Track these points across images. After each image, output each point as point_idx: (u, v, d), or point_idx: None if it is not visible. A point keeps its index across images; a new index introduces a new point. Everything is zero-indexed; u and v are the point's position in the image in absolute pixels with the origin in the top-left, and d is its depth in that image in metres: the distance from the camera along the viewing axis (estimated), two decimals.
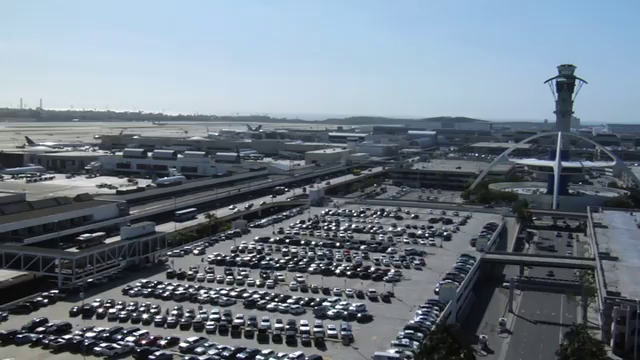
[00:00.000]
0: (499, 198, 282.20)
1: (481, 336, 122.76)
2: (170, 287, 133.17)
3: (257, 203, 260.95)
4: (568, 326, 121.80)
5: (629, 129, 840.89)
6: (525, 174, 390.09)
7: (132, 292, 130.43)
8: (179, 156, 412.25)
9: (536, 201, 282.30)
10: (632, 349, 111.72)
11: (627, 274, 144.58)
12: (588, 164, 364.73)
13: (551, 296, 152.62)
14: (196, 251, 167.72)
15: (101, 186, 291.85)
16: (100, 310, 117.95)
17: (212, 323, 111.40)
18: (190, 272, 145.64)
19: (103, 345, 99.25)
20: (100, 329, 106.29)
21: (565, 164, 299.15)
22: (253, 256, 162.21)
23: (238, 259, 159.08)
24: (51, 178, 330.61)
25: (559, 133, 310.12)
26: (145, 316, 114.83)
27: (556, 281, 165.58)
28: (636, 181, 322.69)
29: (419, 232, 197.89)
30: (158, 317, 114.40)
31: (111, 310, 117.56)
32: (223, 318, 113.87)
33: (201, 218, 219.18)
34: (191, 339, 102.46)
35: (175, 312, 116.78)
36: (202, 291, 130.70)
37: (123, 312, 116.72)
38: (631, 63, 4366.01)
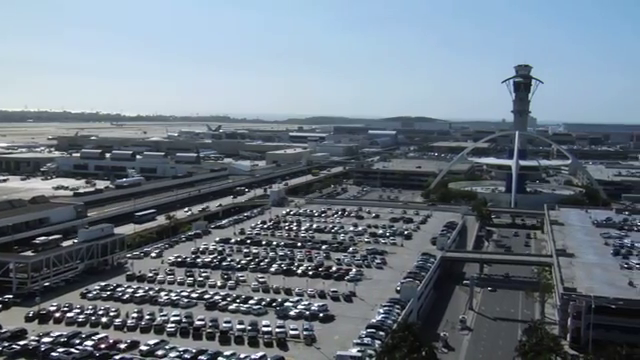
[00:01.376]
0: (459, 197, 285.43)
1: (442, 334, 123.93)
2: (130, 290, 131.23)
3: (216, 204, 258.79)
4: (526, 322, 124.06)
5: (584, 128, 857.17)
6: (484, 173, 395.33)
7: (90, 295, 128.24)
8: (138, 157, 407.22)
9: (495, 199, 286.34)
10: (587, 343, 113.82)
11: (583, 270, 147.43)
12: (545, 163, 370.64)
13: (510, 293, 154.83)
14: (154, 254, 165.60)
15: (57, 188, 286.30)
16: (57, 315, 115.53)
17: (173, 325, 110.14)
18: (150, 274, 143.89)
19: (60, 350, 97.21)
20: (57, 334, 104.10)
21: (523, 163, 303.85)
22: (214, 257, 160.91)
23: (199, 260, 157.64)
24: (5, 180, 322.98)
25: (516, 132, 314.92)
26: (104, 320, 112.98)
27: (515, 278, 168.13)
28: (591, 179, 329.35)
29: (380, 231, 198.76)
30: (117, 320, 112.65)
31: (69, 314, 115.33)
32: (184, 320, 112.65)
33: (161, 219, 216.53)
34: (152, 342, 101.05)
35: (135, 315, 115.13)
36: (162, 293, 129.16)
37: (81, 316, 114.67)
38: (586, 64, 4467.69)
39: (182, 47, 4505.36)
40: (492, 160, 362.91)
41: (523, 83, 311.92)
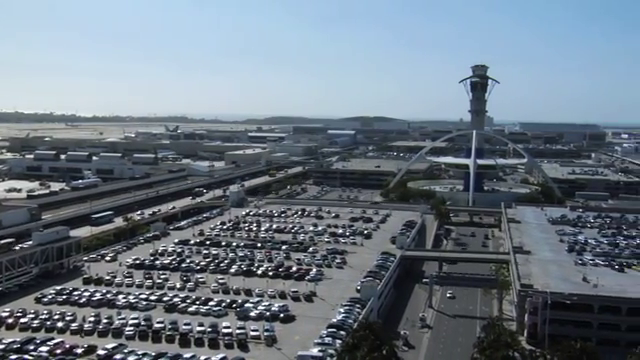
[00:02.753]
0: (417, 196, 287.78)
1: (402, 332, 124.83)
2: (87, 293, 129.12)
3: (175, 206, 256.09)
4: (485, 319, 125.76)
5: (539, 127, 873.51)
6: (442, 172, 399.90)
7: (46, 300, 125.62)
8: (94, 158, 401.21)
9: (453, 198, 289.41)
10: (544, 338, 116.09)
11: (539, 267, 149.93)
12: (501, 161, 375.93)
13: (469, 290, 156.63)
14: (111, 256, 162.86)
15: (10, 190, 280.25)
16: (10, 320, 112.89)
17: (131, 329, 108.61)
18: (108, 277, 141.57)
19: (14, 357, 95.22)
20: (10, 340, 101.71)
21: (480, 162, 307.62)
22: (173, 259, 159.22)
23: (157, 262, 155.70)
24: None
25: (474, 132, 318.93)
26: (60, 324, 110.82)
27: (473, 276, 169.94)
28: (546, 177, 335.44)
29: (340, 231, 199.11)
30: (74, 325, 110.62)
31: (22, 320, 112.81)
32: (143, 323, 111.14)
33: (119, 221, 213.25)
34: (109, 346, 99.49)
35: (92, 319, 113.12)
36: (120, 296, 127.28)
37: (36, 321, 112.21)
38: (540, 64, 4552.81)
39: (138, 45, 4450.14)
40: (450, 159, 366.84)
41: (480, 83, 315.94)
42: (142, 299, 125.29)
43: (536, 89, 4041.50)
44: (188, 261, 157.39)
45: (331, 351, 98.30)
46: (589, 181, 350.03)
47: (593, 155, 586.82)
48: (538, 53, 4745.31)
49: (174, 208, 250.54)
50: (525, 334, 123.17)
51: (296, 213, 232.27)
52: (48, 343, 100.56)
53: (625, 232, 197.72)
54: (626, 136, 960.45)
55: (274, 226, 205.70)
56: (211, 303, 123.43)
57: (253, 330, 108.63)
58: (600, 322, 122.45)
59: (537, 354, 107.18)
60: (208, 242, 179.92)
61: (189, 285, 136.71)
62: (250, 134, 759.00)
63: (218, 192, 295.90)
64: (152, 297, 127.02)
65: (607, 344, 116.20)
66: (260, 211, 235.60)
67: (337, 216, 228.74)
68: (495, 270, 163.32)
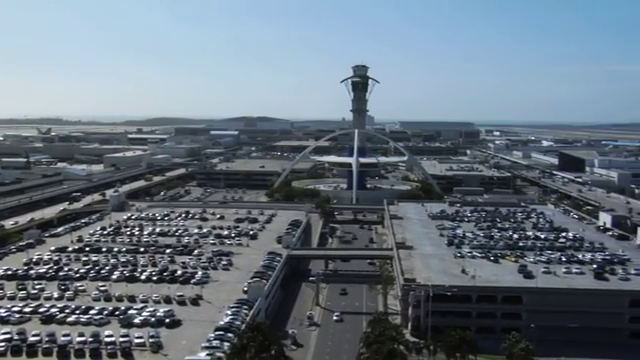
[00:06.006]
0: (302, 195, 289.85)
1: (290, 331, 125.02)
2: None
3: (53, 211, 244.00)
4: (371, 314, 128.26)
5: (418, 126, 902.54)
6: (326, 171, 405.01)
7: None
8: None
9: (337, 196, 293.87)
10: (427, 330, 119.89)
11: (421, 261, 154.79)
12: (383, 160, 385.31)
13: (354, 287, 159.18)
14: None
15: None
16: None
17: (3, 344, 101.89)
18: None
19: None
20: None
21: (362, 160, 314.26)
22: (49, 268, 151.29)
23: (32, 272, 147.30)
24: None
25: (356, 131, 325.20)
26: None
27: (358, 272, 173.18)
28: (426, 174, 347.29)
29: (225, 232, 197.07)
30: None
31: None
32: (16, 337, 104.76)
33: None
34: None
35: None
36: None
37: None
38: (417, 66, 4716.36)
39: (7, 44, 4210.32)
40: (333, 158, 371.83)
41: (361, 83, 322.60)
42: (15, 312, 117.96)
43: (412, 90, 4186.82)
44: (66, 269, 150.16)
45: (219, 354, 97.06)
46: (465, 177, 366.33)
47: (468, 152, 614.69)
48: (416, 54, 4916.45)
49: (64, 210, 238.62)
50: (409, 327, 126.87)
51: (180, 216, 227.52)
52: None
53: (499, 225, 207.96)
54: (498, 133, 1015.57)
55: (157, 230, 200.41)
56: (92, 312, 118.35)
57: (138, 337, 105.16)
58: (478, 311, 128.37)
59: (421, 345, 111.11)
60: (88, 248, 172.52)
61: (68, 294, 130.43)
62: (130, 136, 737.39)
63: (98, 196, 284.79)
64: (26, 309, 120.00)
65: (485, 332, 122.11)
66: (142, 215, 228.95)
67: (222, 217, 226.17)
68: (379, 266, 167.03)
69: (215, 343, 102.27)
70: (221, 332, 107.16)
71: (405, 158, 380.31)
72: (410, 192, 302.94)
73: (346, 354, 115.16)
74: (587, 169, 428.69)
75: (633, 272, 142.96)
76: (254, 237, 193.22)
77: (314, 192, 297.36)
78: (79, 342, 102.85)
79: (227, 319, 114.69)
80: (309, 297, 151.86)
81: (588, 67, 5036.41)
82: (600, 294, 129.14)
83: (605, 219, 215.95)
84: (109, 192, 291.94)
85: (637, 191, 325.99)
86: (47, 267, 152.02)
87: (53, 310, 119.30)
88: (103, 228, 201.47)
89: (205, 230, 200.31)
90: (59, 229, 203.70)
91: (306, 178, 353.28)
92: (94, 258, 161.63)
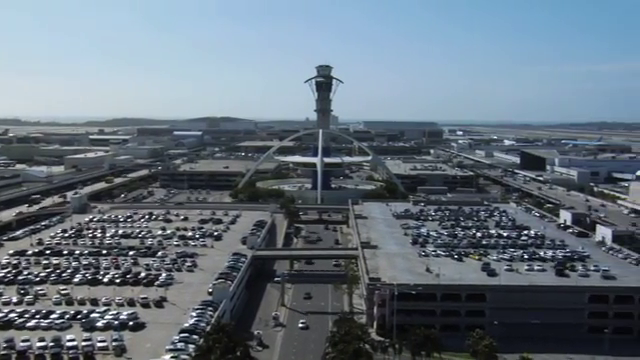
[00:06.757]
0: (267, 195, 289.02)
1: (256, 332, 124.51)
2: None
3: (11, 213, 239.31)
4: (336, 314, 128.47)
5: (382, 126, 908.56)
6: (290, 171, 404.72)
7: None
8: None
9: (302, 197, 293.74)
10: (392, 329, 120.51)
11: (386, 260, 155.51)
12: (347, 159, 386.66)
13: (320, 287, 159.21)
14: None
15: None
16: None
17: None
18: None
19: None
20: None
21: (327, 160, 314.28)
22: (8, 272, 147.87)
23: None
24: None
25: (320, 131, 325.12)
26: None
27: (324, 272, 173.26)
28: (390, 174, 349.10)
29: (189, 234, 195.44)
30: None
31: None
32: None
33: None
34: None
35: None
36: None
37: None
38: (382, 65, 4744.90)
39: None
40: (298, 158, 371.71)
41: (324, 83, 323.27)
42: None
43: (375, 90, 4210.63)
44: (25, 273, 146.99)
45: (184, 357, 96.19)
46: (429, 176, 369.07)
47: (432, 151, 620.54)
48: (382, 54, 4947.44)
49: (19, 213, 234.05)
50: (375, 326, 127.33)
51: (143, 217, 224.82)
52: None
53: (462, 223, 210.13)
54: (461, 133, 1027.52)
55: (120, 231, 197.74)
56: (53, 316, 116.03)
57: (100, 341, 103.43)
58: (442, 309, 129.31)
59: (386, 344, 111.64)
60: (48, 251, 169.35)
61: (27, 298, 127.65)
62: (91, 137, 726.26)
63: (58, 199, 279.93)
64: None
65: (449, 329, 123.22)
66: (105, 217, 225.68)
67: (186, 219, 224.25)
68: (345, 265, 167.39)
69: (180, 345, 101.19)
70: (186, 334, 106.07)
71: (369, 158, 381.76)
72: (374, 192, 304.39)
73: (312, 354, 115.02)
74: (548, 168, 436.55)
75: (592, 268, 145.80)
76: (218, 238, 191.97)
77: (279, 192, 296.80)
78: (39, 347, 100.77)
79: (192, 321, 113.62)
80: (274, 298, 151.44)
81: (559, 67, 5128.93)
82: (561, 290, 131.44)
83: (565, 217, 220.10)
84: (70, 194, 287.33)
85: (596, 189, 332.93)
86: (5, 271, 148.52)
87: (12, 315, 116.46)
88: (64, 230, 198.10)
89: (169, 231, 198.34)
90: (18, 232, 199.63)
91: (270, 178, 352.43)
92: (55, 261, 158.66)
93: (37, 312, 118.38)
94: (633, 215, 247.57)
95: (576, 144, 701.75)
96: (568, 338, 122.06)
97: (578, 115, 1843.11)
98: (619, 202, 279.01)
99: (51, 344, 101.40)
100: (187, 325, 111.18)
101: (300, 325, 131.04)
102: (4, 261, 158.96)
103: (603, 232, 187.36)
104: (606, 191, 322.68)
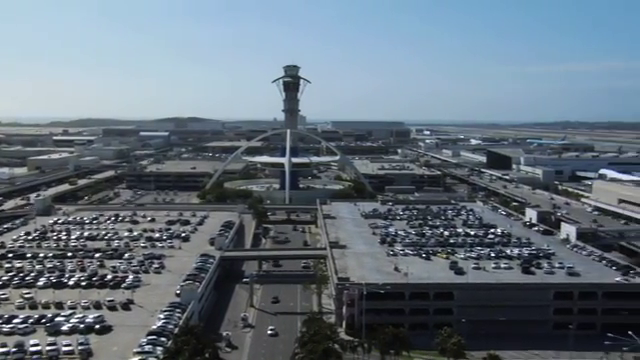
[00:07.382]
0: (235, 196, 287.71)
1: (224, 333, 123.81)
2: None
3: None
4: (306, 314, 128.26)
5: (350, 126, 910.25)
6: (258, 171, 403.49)
7: None
8: None
9: (270, 197, 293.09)
10: (361, 328, 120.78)
11: (354, 260, 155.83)
12: (315, 159, 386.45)
13: (289, 287, 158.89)
14: None
15: None
16: None
17: None
18: None
19: None
20: None
21: (295, 160, 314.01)
22: None
23: None
24: None
25: (288, 131, 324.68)
26: None
27: (293, 272, 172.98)
28: (358, 173, 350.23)
29: (156, 235, 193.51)
30: None
31: None
32: None
33: None
34: None
35: None
36: None
37: None
38: (350, 65, 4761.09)
39: None
40: (266, 158, 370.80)
41: (292, 83, 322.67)
42: None
43: (344, 90, 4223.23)
44: None
45: (152, 359, 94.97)
46: (397, 176, 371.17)
47: (399, 151, 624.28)
48: (350, 54, 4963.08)
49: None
50: (344, 325, 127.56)
51: (109, 219, 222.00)
52: None
53: (430, 222, 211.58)
54: (428, 132, 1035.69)
55: (86, 234, 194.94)
56: (16, 320, 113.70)
57: (66, 345, 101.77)
58: (411, 308, 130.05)
59: (355, 344, 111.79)
60: (11, 255, 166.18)
61: None
62: (55, 138, 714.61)
63: (20, 201, 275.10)
64: None
65: (418, 328, 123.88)
66: (70, 219, 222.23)
67: (153, 220, 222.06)
68: (313, 265, 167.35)
69: (147, 348, 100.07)
70: (154, 336, 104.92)
71: (337, 158, 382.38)
72: (343, 191, 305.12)
73: (281, 355, 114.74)
74: (513, 166, 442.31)
75: (557, 265, 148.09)
76: (186, 239, 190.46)
77: (247, 193, 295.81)
78: (1, 353, 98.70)
79: (160, 323, 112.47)
80: (243, 299, 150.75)
81: (530, 67, 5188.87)
82: (527, 288, 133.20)
83: (531, 215, 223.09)
84: (33, 196, 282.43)
85: (560, 187, 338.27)
86: None
87: None
88: (27, 233, 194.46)
89: (136, 233, 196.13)
90: None
91: (238, 179, 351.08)
92: (18, 265, 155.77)
93: None
94: (596, 213, 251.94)
95: (541, 143, 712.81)
96: (534, 334, 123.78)
97: (547, 115, 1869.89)
98: (583, 200, 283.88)
99: (14, 349, 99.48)
100: (155, 327, 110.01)
101: (269, 332, 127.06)
102: None
103: (567, 230, 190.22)
104: (570, 189, 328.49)
